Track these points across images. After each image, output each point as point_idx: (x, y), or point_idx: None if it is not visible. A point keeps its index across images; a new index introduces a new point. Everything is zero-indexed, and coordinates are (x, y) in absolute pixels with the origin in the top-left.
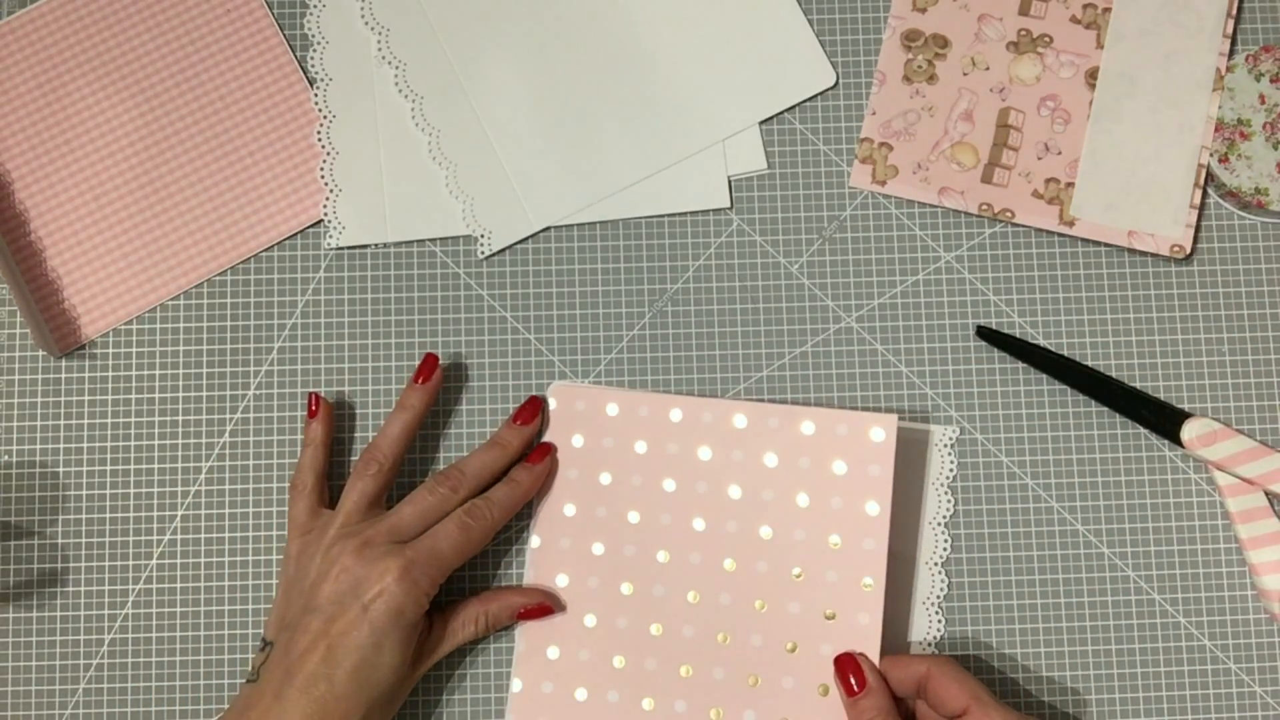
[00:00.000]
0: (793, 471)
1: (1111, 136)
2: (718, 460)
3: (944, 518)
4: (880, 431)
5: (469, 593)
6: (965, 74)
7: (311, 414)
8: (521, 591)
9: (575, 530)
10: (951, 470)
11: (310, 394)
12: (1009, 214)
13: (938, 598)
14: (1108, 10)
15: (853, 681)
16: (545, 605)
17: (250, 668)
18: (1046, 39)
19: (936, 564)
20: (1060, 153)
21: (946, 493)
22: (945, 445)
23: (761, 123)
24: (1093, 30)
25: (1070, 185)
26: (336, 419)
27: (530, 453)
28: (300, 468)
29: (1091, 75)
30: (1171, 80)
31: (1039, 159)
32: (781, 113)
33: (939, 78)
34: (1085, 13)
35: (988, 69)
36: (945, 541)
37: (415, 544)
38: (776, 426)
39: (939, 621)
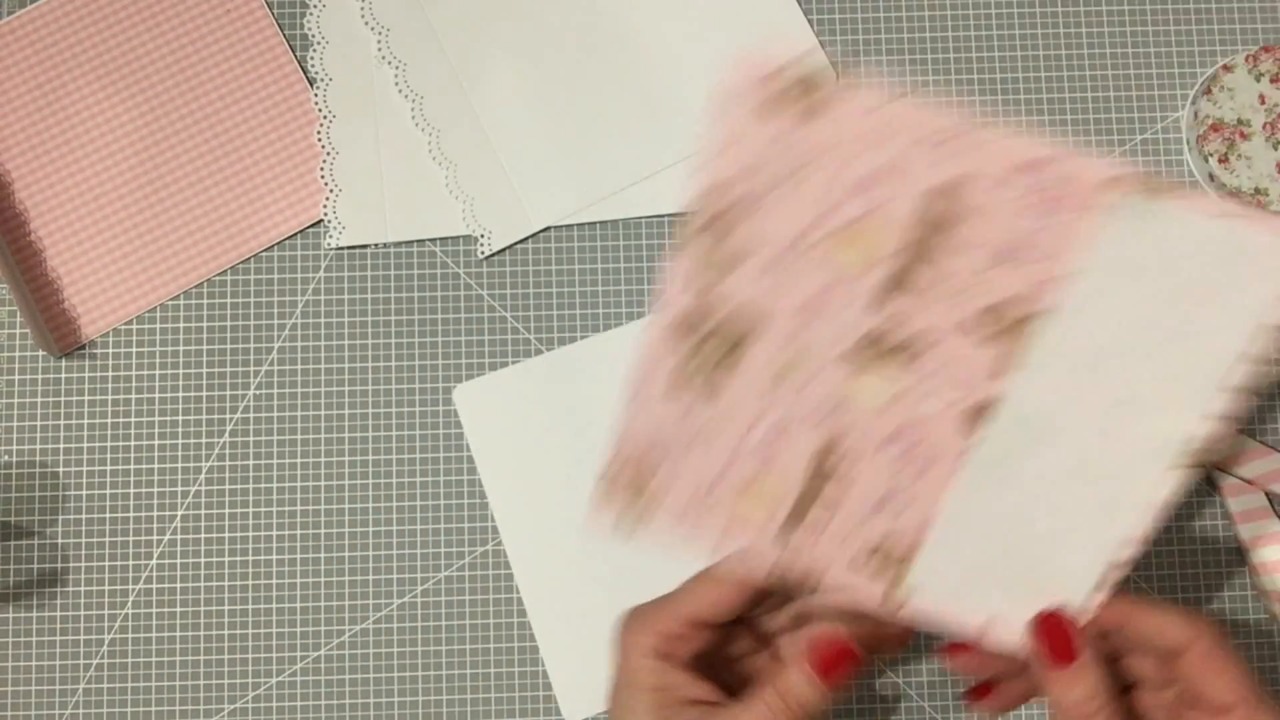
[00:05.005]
0: None
1: (988, 503)
2: None
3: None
4: None
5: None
6: (766, 391)
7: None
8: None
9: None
10: None
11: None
12: (814, 581)
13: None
14: (1025, 321)
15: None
16: (843, 650)
17: None
18: (909, 351)
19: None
20: (900, 511)
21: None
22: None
23: None
24: (992, 347)
25: (908, 559)
26: (336, 425)
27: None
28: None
29: (976, 412)
30: (1116, 439)
31: (869, 514)
32: None
33: (723, 389)
34: (984, 319)
35: (805, 386)
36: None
37: None
38: None
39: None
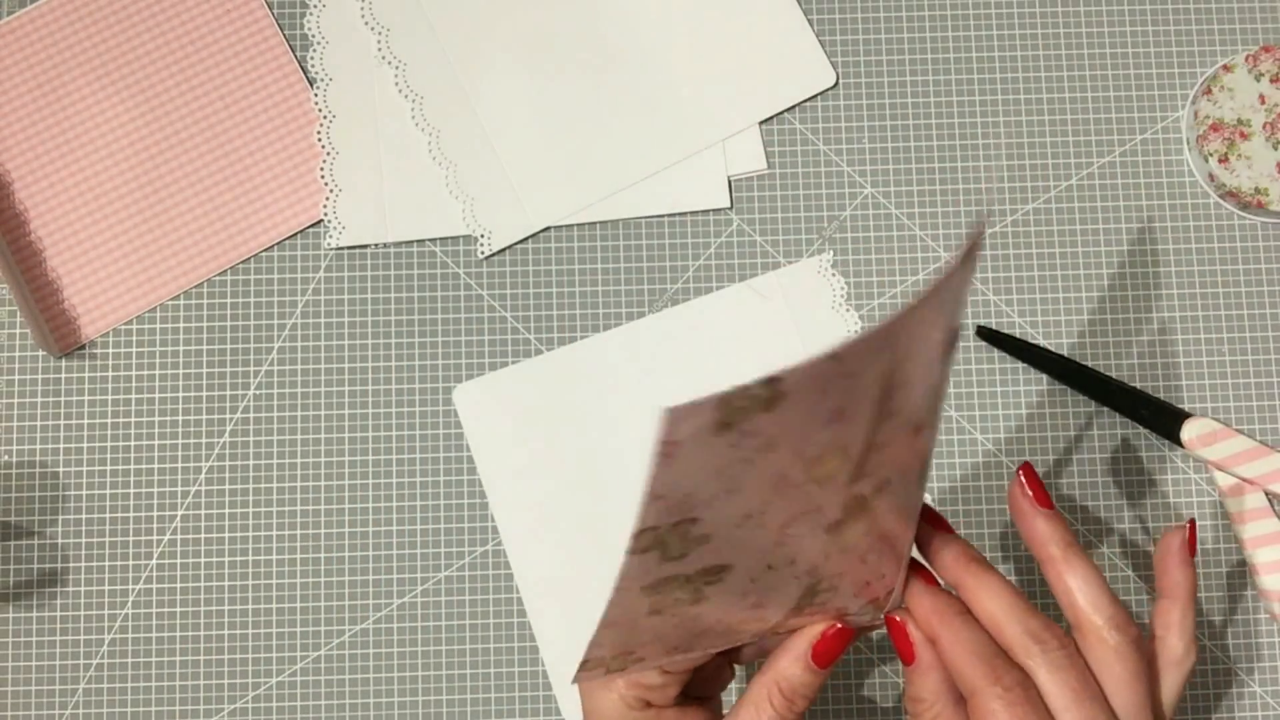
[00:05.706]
0: None
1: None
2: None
3: None
4: None
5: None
6: (754, 580)
7: None
8: (800, 635)
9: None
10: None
11: None
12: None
13: None
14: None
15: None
16: (841, 631)
17: None
18: (885, 482)
19: None
20: (883, 576)
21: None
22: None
23: (761, 123)
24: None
25: (893, 590)
26: (336, 425)
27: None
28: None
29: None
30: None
31: (855, 595)
32: (781, 113)
33: (711, 599)
34: (925, 398)
35: (793, 563)
36: None
37: None
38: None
39: None
